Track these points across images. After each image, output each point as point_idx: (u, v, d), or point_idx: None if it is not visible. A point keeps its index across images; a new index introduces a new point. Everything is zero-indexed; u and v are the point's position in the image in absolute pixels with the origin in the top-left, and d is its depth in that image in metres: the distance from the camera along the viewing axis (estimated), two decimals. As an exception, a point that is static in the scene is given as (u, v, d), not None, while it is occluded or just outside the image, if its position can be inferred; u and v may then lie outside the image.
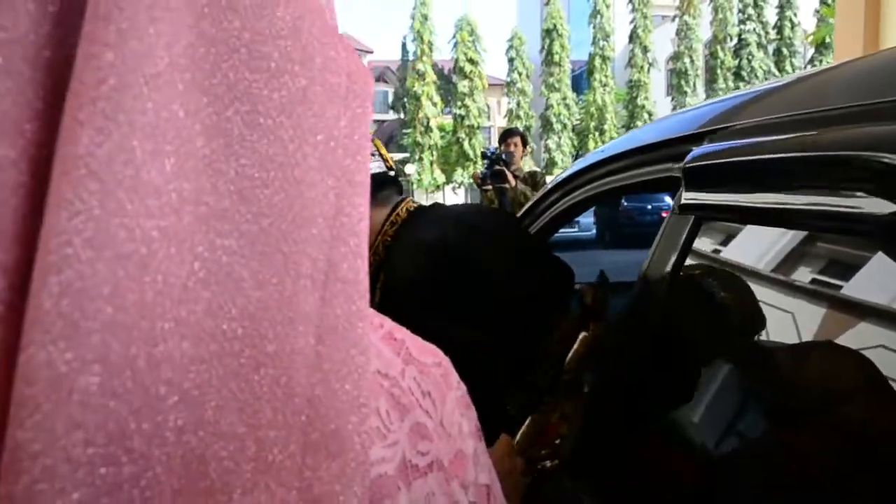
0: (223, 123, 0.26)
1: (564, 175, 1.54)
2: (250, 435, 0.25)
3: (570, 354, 1.24)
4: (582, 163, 1.46)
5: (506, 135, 4.86)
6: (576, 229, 16.18)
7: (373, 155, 1.22)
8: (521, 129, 26.95)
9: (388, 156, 1.29)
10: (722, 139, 0.85)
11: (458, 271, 1.15)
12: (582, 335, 1.26)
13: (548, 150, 31.16)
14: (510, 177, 4.54)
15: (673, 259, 0.90)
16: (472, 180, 5.27)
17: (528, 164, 4.97)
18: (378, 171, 1.23)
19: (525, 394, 1.16)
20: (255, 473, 0.25)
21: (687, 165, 0.87)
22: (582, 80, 34.40)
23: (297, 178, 0.28)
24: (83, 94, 0.21)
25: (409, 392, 0.40)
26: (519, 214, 1.80)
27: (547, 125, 31.54)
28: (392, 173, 1.30)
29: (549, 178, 4.73)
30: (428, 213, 1.29)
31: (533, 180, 4.66)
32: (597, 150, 1.45)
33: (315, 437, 0.29)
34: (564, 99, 31.63)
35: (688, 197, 0.88)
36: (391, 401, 0.38)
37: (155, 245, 0.22)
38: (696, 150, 0.86)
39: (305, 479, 0.28)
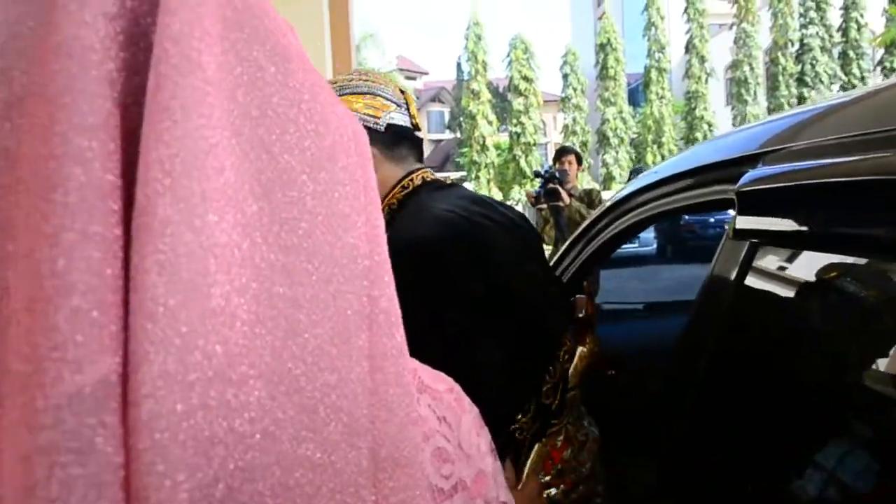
0: (266, 182, 0.28)
1: (619, 196, 1.52)
2: (325, 459, 0.28)
3: (570, 370, 1.20)
4: (636, 184, 1.43)
5: (560, 153, 4.83)
6: (636, 244, 15.87)
7: (398, 105, 1.17)
8: (577, 144, 26.70)
9: (416, 113, 1.23)
10: (778, 161, 0.82)
11: (470, 249, 1.05)
12: (580, 350, 1.22)
13: (605, 164, 30.86)
14: (564, 195, 4.50)
15: (729, 283, 0.87)
16: (526, 197, 5.21)
17: (584, 181, 4.92)
18: (400, 123, 1.18)
19: (536, 417, 1.12)
20: (334, 493, 0.28)
21: (741, 189, 0.84)
22: (638, 93, 34.03)
23: (335, 225, 0.31)
24: (156, 167, 0.24)
25: (426, 419, 0.43)
26: (574, 235, 1.78)
27: (604, 140, 31.27)
28: (418, 133, 1.24)
29: (605, 194, 4.69)
30: (446, 187, 1.21)
31: (589, 198, 4.61)
32: (650, 172, 1.43)
33: (383, 453, 0.32)
34: (621, 113, 31.33)
35: (742, 222, 0.85)
36: None
37: (232, 300, 0.25)
38: (751, 173, 0.84)
39: (381, 492, 0.32)
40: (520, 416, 1.09)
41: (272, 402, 0.26)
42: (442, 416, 0.44)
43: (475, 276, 1.03)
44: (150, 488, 0.22)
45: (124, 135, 0.25)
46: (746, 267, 0.84)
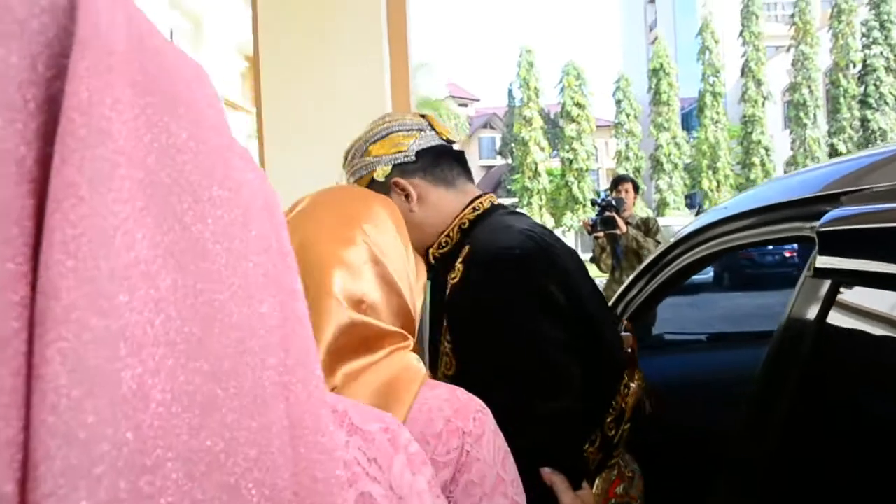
0: (179, 254, 0.28)
1: (686, 231, 1.53)
2: None
3: (628, 404, 1.20)
4: (704, 219, 1.44)
5: (617, 181, 4.81)
6: (692, 271, 15.55)
7: (421, 130, 1.19)
8: (630, 170, 26.41)
9: (443, 128, 1.23)
10: (858, 202, 0.83)
11: (551, 261, 1.10)
12: (633, 385, 1.22)
13: (659, 190, 30.48)
14: (621, 223, 4.47)
15: (810, 321, 0.87)
16: (581, 225, 5.19)
17: (639, 208, 4.88)
18: (428, 144, 1.19)
19: (601, 448, 1.13)
20: None
21: (822, 228, 0.85)
22: (692, 118, 33.62)
23: (250, 296, 0.31)
24: (59, 248, 0.23)
25: (354, 463, 0.42)
26: (641, 268, 1.78)
27: (657, 165, 30.94)
28: (455, 147, 1.24)
29: (661, 220, 4.64)
30: (515, 213, 1.25)
31: (646, 226, 4.57)
32: (719, 207, 1.43)
33: None
34: (674, 138, 30.99)
35: (823, 261, 0.86)
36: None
37: (145, 381, 0.24)
38: (832, 213, 0.85)
39: None
40: (587, 446, 1.10)
41: (191, 482, 0.25)
42: (373, 458, 0.44)
43: (557, 285, 1.07)
44: None
45: (35, 213, 0.24)
46: (828, 305, 0.85)
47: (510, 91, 33.78)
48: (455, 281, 1.10)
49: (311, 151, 3.01)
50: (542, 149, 30.40)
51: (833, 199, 0.91)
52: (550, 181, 30.64)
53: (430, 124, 1.21)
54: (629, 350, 1.31)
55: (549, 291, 1.06)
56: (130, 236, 0.25)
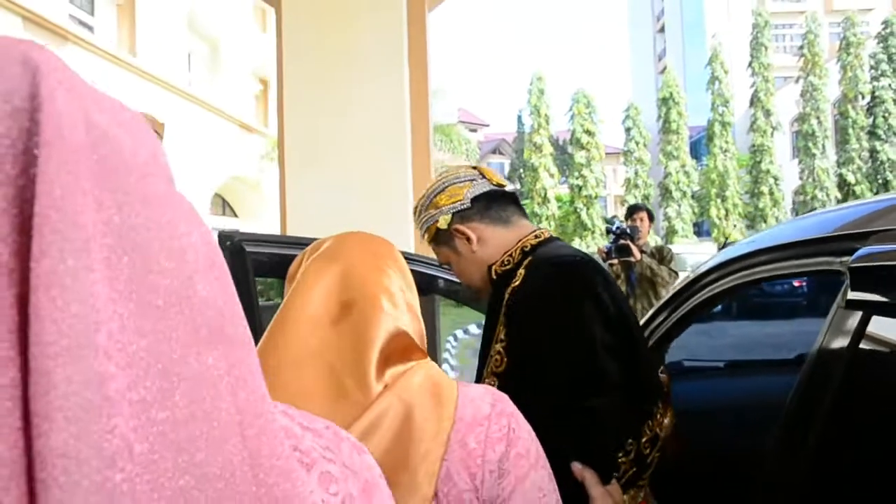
0: (139, 321, 0.31)
1: (714, 262, 1.60)
2: None
3: (662, 433, 1.28)
4: (730, 253, 1.52)
5: (632, 210, 4.89)
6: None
7: (473, 180, 1.35)
8: (639, 197, 26.29)
9: (493, 174, 1.39)
10: (887, 241, 0.90)
11: (604, 276, 1.25)
12: (666, 420, 1.30)
13: (667, 218, 30.55)
14: (636, 251, 4.55)
15: (843, 349, 0.95)
16: (590, 251, 5.24)
17: (649, 236, 4.95)
18: (481, 191, 1.34)
19: (634, 462, 1.20)
20: None
21: (854, 264, 0.93)
22: (700, 147, 33.78)
23: (198, 351, 0.34)
24: (52, 326, 0.26)
25: (310, 451, 0.50)
26: (666, 297, 1.85)
27: (666, 193, 31.03)
28: (508, 188, 1.40)
29: (669, 247, 4.71)
30: (566, 244, 1.40)
31: (660, 254, 4.65)
32: (746, 241, 1.51)
33: None
34: (683, 166, 31.11)
35: (855, 294, 0.93)
36: (300, 464, 0.48)
37: (128, 434, 0.28)
38: (864, 250, 0.92)
39: None
40: (620, 455, 1.18)
41: None
42: (325, 446, 0.51)
43: (607, 293, 1.21)
44: None
45: (17, 302, 0.26)
46: (860, 334, 0.92)
47: (519, 117, 34.10)
48: (516, 284, 1.25)
49: (331, 175, 3.08)
50: (552, 175, 30.55)
51: (862, 237, 0.98)
52: (559, 207, 30.77)
53: (482, 173, 1.37)
54: (665, 389, 1.39)
55: (601, 297, 1.19)
56: (107, 312, 0.29)
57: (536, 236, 1.34)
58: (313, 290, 0.84)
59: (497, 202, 1.36)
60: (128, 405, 0.29)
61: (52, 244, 0.27)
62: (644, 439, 1.21)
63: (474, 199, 1.33)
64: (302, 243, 1.62)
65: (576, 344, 1.15)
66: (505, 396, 0.89)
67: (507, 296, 1.25)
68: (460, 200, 1.33)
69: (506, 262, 1.32)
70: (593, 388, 1.14)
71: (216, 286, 0.37)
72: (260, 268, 1.82)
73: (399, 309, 0.86)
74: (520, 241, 1.33)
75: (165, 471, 0.30)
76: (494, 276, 1.33)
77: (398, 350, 0.84)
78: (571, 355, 1.15)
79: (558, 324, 1.16)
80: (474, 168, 1.39)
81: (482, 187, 1.35)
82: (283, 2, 3.28)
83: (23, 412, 0.26)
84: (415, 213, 1.42)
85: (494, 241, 1.34)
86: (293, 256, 0.96)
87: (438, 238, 1.37)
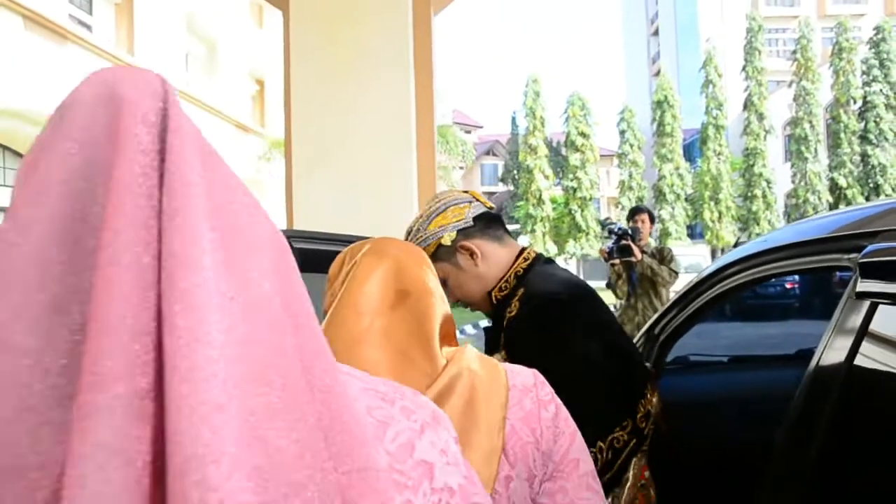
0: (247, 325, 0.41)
1: (726, 260, 1.71)
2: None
3: (653, 411, 1.45)
4: (744, 250, 1.63)
5: (634, 212, 5.01)
6: (695, 301, 15.56)
7: (471, 202, 1.51)
8: (633, 199, 26.20)
9: (484, 199, 1.56)
10: (893, 239, 1.01)
11: (594, 294, 1.45)
12: (654, 399, 1.47)
13: (661, 220, 30.70)
14: (637, 251, 4.66)
15: (852, 334, 1.06)
16: (584, 252, 5.34)
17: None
18: (479, 211, 1.51)
19: (632, 435, 1.33)
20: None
21: (863, 259, 1.04)
22: (694, 150, 33.96)
23: (280, 322, 0.44)
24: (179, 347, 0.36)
25: (360, 397, 0.59)
26: (680, 292, 1.96)
27: (660, 195, 31.20)
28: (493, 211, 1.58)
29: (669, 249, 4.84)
30: (550, 261, 1.57)
31: (661, 255, 4.77)
32: (758, 240, 1.62)
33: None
34: (677, 169, 31.28)
35: (864, 285, 1.04)
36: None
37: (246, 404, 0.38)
38: (873, 246, 1.03)
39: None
40: (617, 430, 1.32)
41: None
42: (385, 392, 0.61)
43: (603, 310, 1.44)
44: None
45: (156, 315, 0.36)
46: (868, 321, 1.03)
47: (514, 119, 34.23)
48: (512, 314, 1.42)
49: (337, 175, 3.14)
50: (547, 177, 30.71)
51: (869, 236, 1.09)
52: (554, 209, 30.93)
53: (475, 197, 1.55)
54: (652, 376, 1.57)
55: (584, 320, 1.38)
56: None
57: (525, 259, 1.51)
58: (368, 280, 0.93)
59: (493, 222, 1.53)
60: (245, 383, 0.38)
61: (177, 290, 0.37)
62: (639, 415, 1.37)
63: (475, 218, 1.49)
64: (342, 240, 1.71)
65: (564, 355, 1.30)
66: (537, 371, 1.02)
67: (505, 320, 1.42)
68: (463, 219, 1.48)
69: (503, 288, 1.49)
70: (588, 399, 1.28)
71: (286, 283, 0.46)
72: (307, 263, 1.92)
73: (443, 300, 0.97)
74: (511, 266, 1.50)
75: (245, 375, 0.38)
76: (495, 301, 1.49)
77: (450, 333, 0.96)
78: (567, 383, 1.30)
79: (546, 346, 1.32)
80: (465, 192, 1.54)
81: (479, 208, 1.51)
82: (291, 4, 3.32)
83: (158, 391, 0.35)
84: (409, 233, 1.54)
85: (494, 258, 1.50)
86: (336, 252, 1.04)
87: (438, 254, 1.48)
